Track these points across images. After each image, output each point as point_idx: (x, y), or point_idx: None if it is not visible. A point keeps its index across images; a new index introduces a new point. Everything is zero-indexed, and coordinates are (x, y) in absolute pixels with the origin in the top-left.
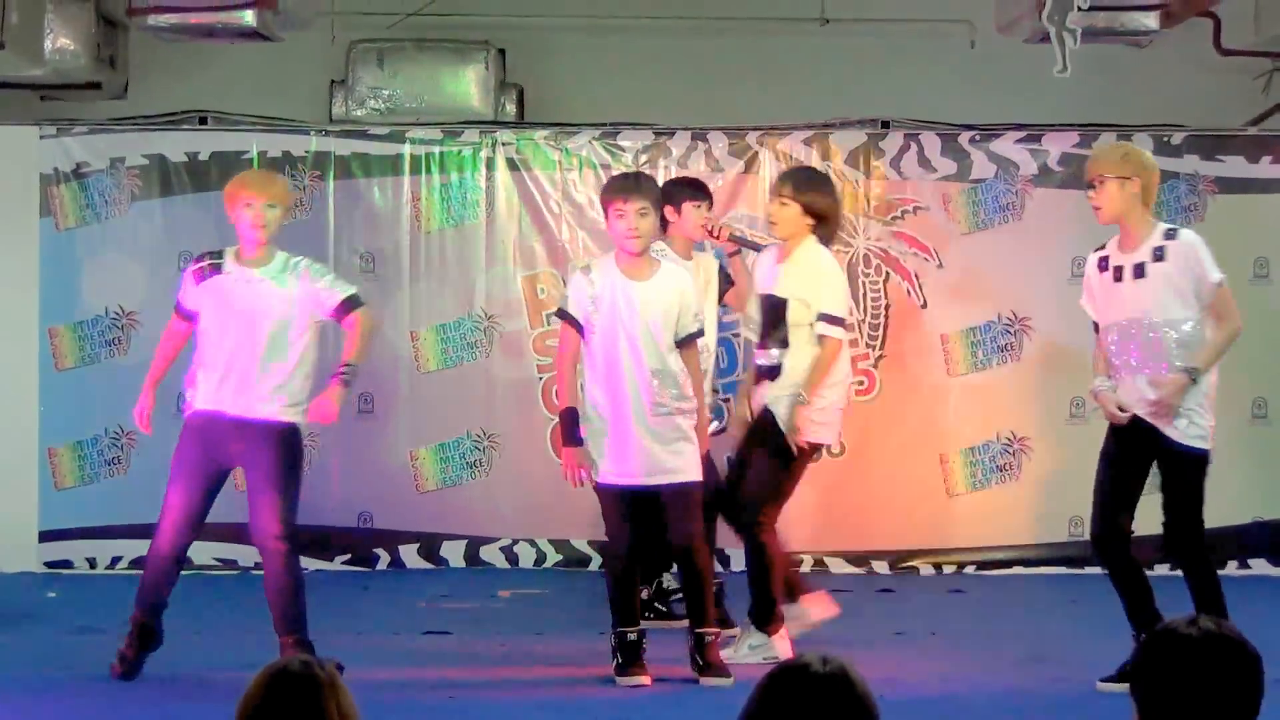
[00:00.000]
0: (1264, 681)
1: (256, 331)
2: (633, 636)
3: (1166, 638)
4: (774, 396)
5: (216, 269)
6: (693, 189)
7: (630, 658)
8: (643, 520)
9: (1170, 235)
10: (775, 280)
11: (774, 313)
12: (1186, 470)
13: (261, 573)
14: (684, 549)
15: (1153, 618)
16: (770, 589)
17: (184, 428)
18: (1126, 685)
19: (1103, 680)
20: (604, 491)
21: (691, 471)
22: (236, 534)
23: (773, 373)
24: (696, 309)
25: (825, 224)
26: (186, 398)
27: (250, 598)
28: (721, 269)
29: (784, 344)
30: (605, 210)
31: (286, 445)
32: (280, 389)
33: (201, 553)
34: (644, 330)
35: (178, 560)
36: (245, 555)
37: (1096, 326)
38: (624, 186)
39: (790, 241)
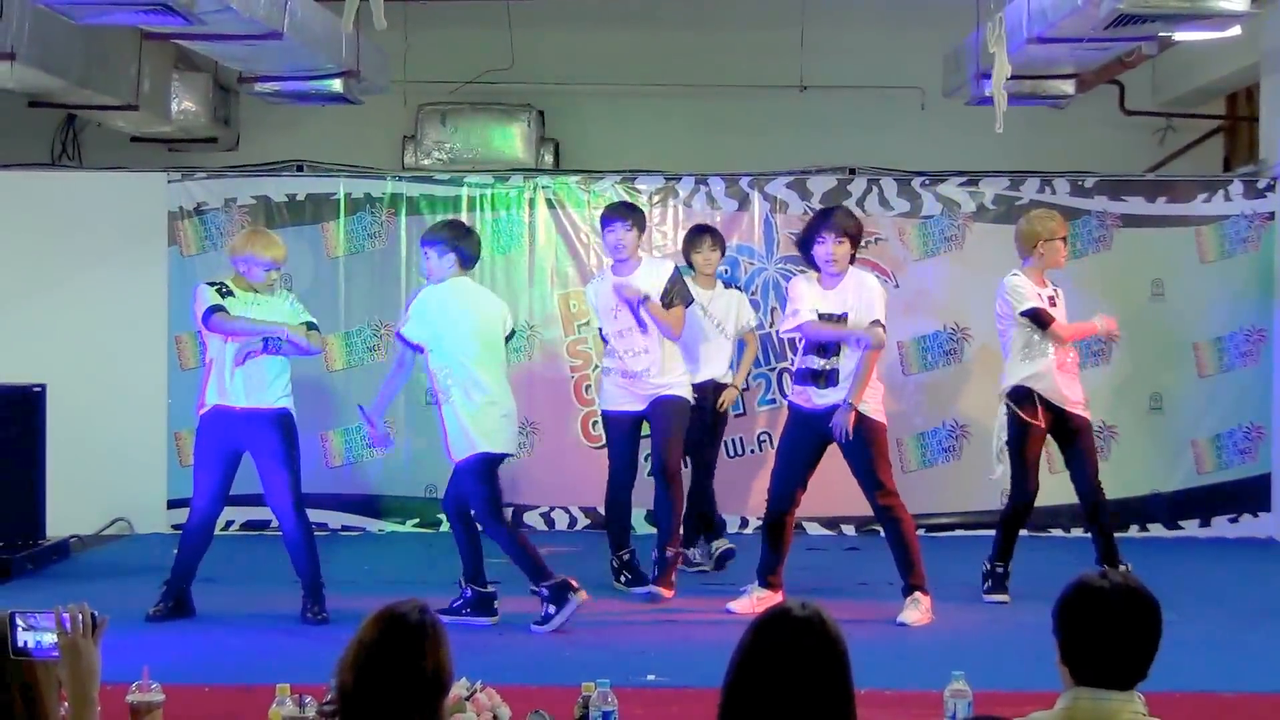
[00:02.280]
0: (1162, 623)
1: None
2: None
3: (1083, 587)
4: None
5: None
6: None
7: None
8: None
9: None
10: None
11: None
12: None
13: (351, 535)
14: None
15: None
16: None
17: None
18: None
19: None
20: None
21: (453, 450)
22: (326, 502)
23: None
24: None
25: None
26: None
27: (333, 555)
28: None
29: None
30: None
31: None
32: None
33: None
34: None
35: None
36: (333, 520)
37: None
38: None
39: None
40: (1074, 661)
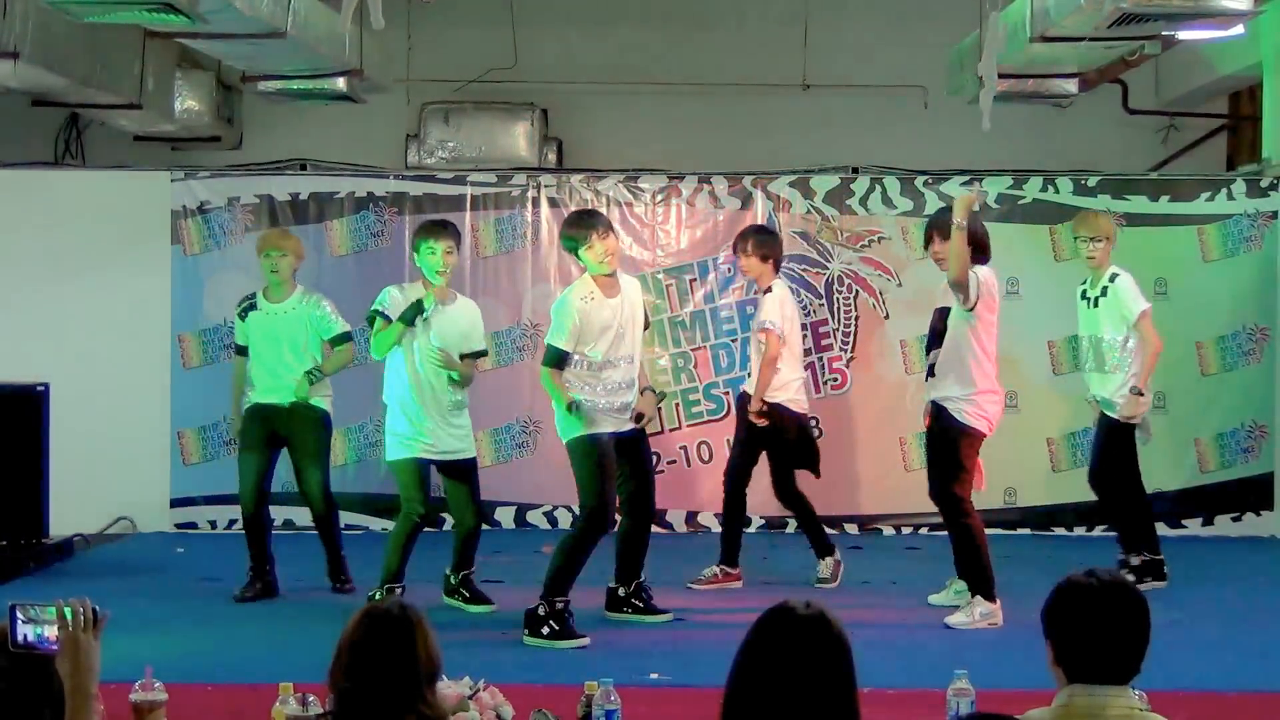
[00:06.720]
0: (1151, 620)
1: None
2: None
3: (1069, 587)
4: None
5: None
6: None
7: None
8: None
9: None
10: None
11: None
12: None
13: (354, 534)
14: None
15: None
16: (986, 563)
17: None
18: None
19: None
20: (396, 463)
21: (470, 450)
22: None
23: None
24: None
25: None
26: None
27: (360, 555)
28: None
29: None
30: (415, 247)
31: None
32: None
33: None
34: (439, 342)
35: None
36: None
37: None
38: (433, 229)
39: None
40: (1067, 660)
